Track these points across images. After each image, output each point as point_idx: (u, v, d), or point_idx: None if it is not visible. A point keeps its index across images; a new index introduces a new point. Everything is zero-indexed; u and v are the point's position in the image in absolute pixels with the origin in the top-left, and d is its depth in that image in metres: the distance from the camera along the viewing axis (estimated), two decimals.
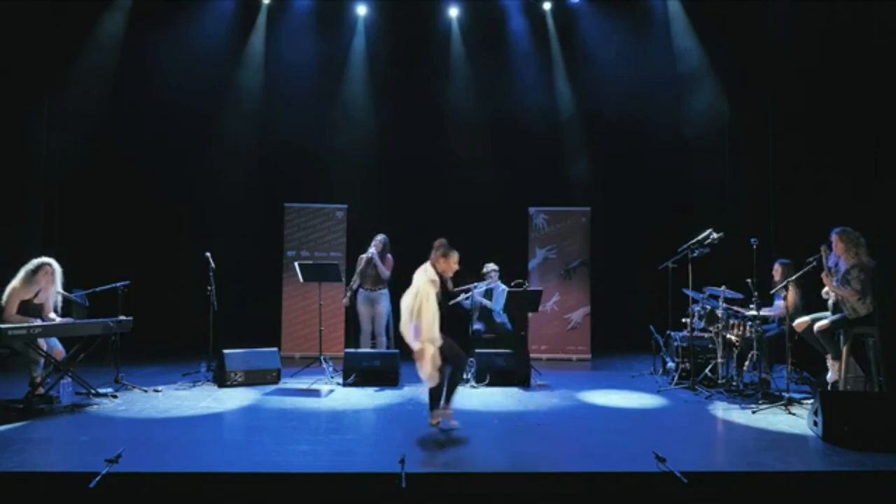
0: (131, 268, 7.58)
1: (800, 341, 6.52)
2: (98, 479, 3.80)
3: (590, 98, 10.04)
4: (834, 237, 6.01)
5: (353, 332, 7.94)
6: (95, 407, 5.80)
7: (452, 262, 5.30)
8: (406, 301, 5.17)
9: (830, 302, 6.16)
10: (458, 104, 10.08)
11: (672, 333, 7.46)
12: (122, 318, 6.33)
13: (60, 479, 3.98)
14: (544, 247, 9.36)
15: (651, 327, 7.93)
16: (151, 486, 3.95)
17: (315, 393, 6.56)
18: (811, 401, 5.46)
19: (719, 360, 6.85)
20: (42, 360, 5.86)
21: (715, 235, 6.76)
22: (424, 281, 5.13)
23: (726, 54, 9.46)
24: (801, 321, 6.35)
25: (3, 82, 7.96)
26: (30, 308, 5.90)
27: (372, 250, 7.46)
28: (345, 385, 6.84)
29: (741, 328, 6.60)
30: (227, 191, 9.78)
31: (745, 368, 6.69)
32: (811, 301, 6.55)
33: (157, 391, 6.47)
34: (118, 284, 6.67)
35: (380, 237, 7.58)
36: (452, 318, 8.27)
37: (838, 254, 6.01)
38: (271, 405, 6.06)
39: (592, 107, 10.02)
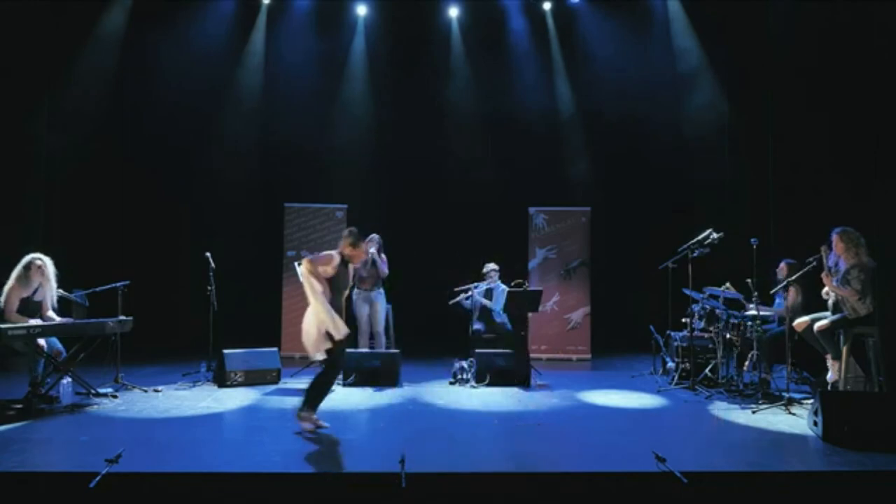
0: (131, 268, 7.56)
1: (800, 341, 6.51)
2: (98, 479, 3.80)
3: (590, 98, 10.06)
4: (834, 237, 6.00)
5: (352, 332, 7.93)
6: (95, 407, 5.80)
7: (360, 252, 5.43)
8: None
9: (830, 302, 6.15)
10: (458, 104, 10.09)
11: (672, 333, 7.45)
12: (122, 318, 6.33)
13: (60, 479, 3.98)
14: (544, 247, 9.36)
15: (651, 327, 7.93)
16: (151, 486, 3.95)
17: None
18: (811, 401, 5.45)
19: (719, 360, 6.86)
20: (42, 360, 5.86)
21: (715, 235, 6.76)
22: (304, 273, 5.17)
23: (726, 54, 9.46)
24: (800, 321, 6.35)
25: (3, 82, 7.97)
26: (29, 305, 5.91)
27: (372, 250, 7.46)
28: (344, 385, 6.83)
29: (741, 328, 6.59)
30: (227, 191, 9.80)
31: (745, 368, 6.70)
32: (811, 301, 6.55)
33: (157, 391, 6.47)
34: (118, 284, 6.66)
35: (376, 237, 7.58)
36: (453, 318, 8.34)
37: (838, 254, 6.00)
38: (271, 405, 6.06)
39: (592, 107, 10.04)
